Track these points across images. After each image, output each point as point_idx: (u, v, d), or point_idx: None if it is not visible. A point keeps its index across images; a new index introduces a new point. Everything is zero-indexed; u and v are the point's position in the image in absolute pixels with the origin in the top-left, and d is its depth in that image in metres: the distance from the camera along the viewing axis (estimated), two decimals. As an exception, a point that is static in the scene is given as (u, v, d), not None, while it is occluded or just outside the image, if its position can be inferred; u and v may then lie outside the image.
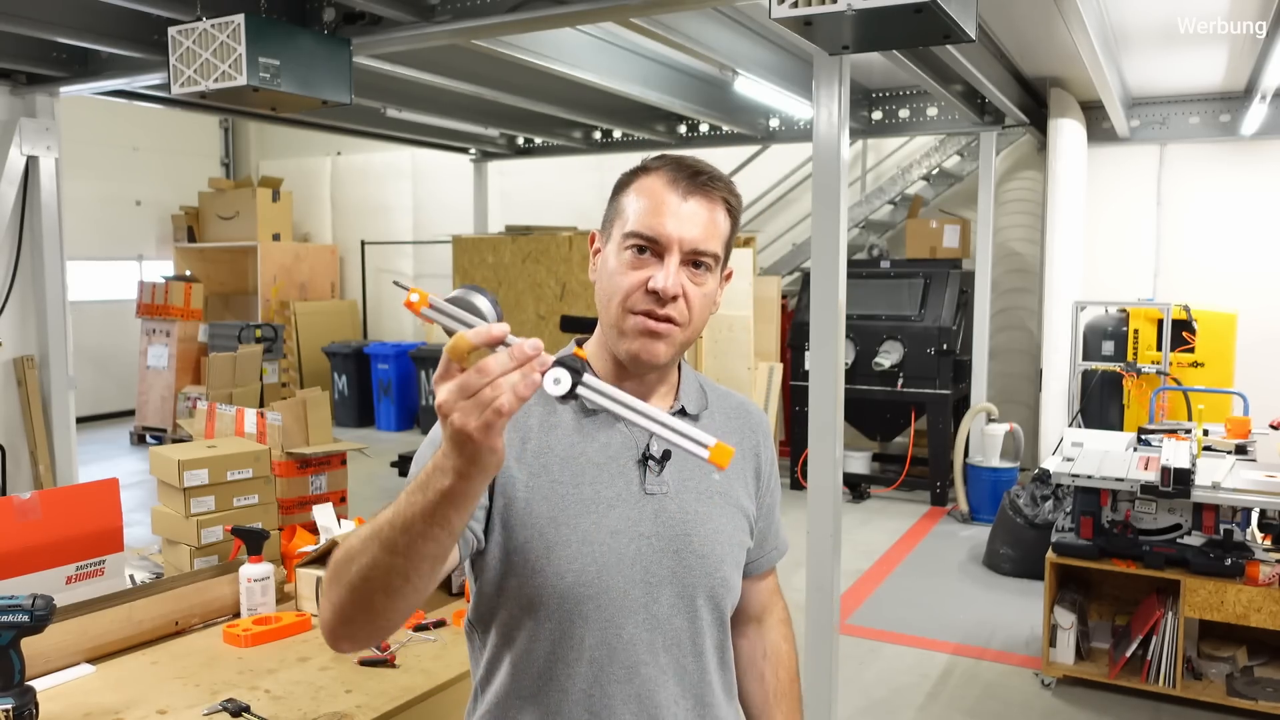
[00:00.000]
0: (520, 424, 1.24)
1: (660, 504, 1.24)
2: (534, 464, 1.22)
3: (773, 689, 1.46)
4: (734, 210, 1.28)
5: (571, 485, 1.21)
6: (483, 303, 0.99)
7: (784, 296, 8.17)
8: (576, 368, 0.96)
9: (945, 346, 6.93)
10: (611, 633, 1.20)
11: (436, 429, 1.24)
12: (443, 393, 0.91)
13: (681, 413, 1.30)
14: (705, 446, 0.97)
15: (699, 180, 1.23)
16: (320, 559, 2.32)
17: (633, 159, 1.30)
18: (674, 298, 1.20)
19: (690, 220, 1.21)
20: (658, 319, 1.20)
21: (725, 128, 7.36)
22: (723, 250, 1.26)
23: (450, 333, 0.96)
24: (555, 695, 1.21)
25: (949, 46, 4.17)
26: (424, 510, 0.96)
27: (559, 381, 0.95)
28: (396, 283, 1.12)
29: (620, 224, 1.24)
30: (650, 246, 1.21)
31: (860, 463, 7.34)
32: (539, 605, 1.20)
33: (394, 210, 11.10)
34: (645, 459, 1.25)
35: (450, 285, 7.61)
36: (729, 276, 1.33)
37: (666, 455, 1.25)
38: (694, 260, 1.22)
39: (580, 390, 0.96)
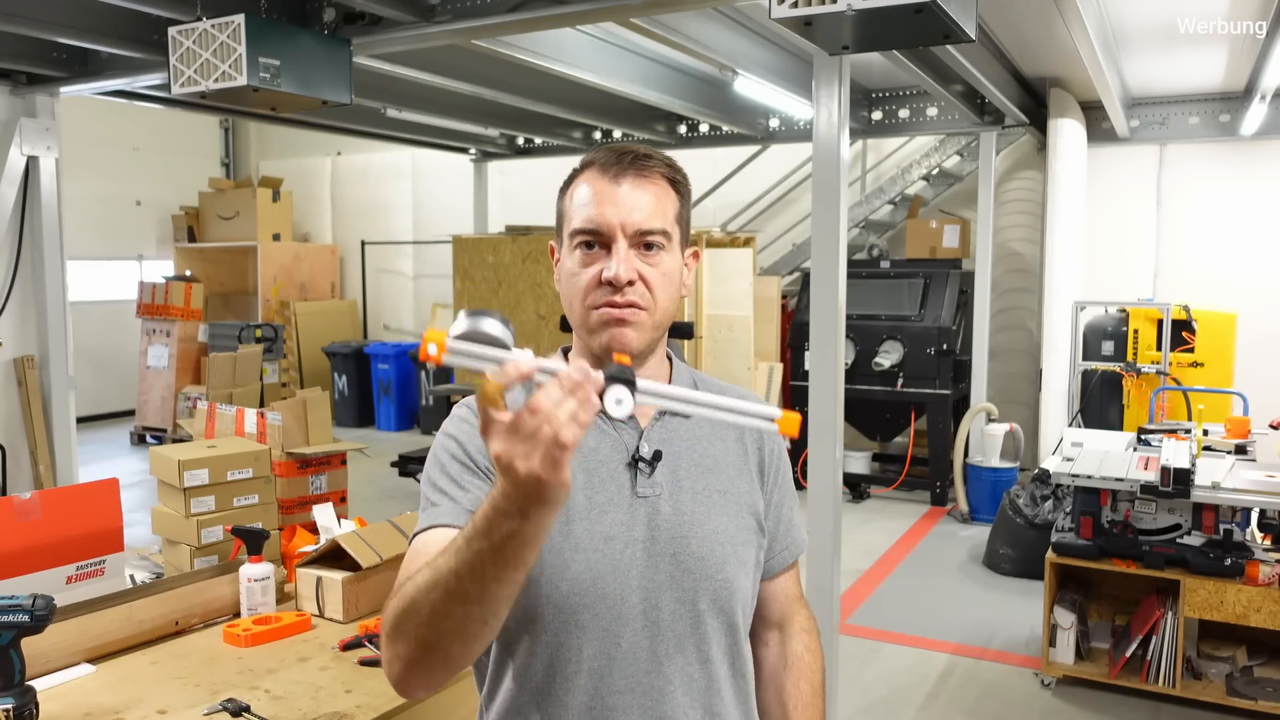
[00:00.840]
0: None
1: (654, 506, 1.21)
2: None
3: (793, 701, 1.37)
4: (678, 183, 1.25)
5: None
6: (495, 327, 0.92)
7: (784, 296, 8.17)
8: (628, 378, 0.91)
9: (945, 346, 6.93)
10: (610, 642, 1.17)
11: (439, 445, 1.23)
12: (496, 443, 0.88)
13: (671, 412, 1.27)
14: (773, 420, 0.95)
15: (627, 160, 1.21)
16: (320, 559, 2.33)
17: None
18: (629, 283, 1.17)
19: (627, 203, 1.19)
20: (619, 307, 1.18)
21: (725, 128, 7.36)
22: (674, 226, 1.23)
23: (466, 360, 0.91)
24: (556, 709, 1.18)
25: (949, 46, 4.17)
26: (493, 557, 0.94)
27: (620, 402, 0.90)
28: (388, 326, 1.05)
29: (566, 225, 1.23)
30: (596, 239, 1.19)
31: (860, 463, 7.34)
32: (535, 617, 1.17)
33: (394, 210, 11.10)
34: (635, 461, 1.22)
35: (450, 285, 7.60)
36: (696, 255, 1.29)
37: (657, 456, 1.22)
38: (643, 242, 1.19)
39: (638, 399, 0.92)
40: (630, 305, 1.18)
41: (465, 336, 0.90)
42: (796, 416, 0.95)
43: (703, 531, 1.22)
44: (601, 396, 0.89)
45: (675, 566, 1.20)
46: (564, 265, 1.24)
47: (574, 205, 1.22)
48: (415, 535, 1.17)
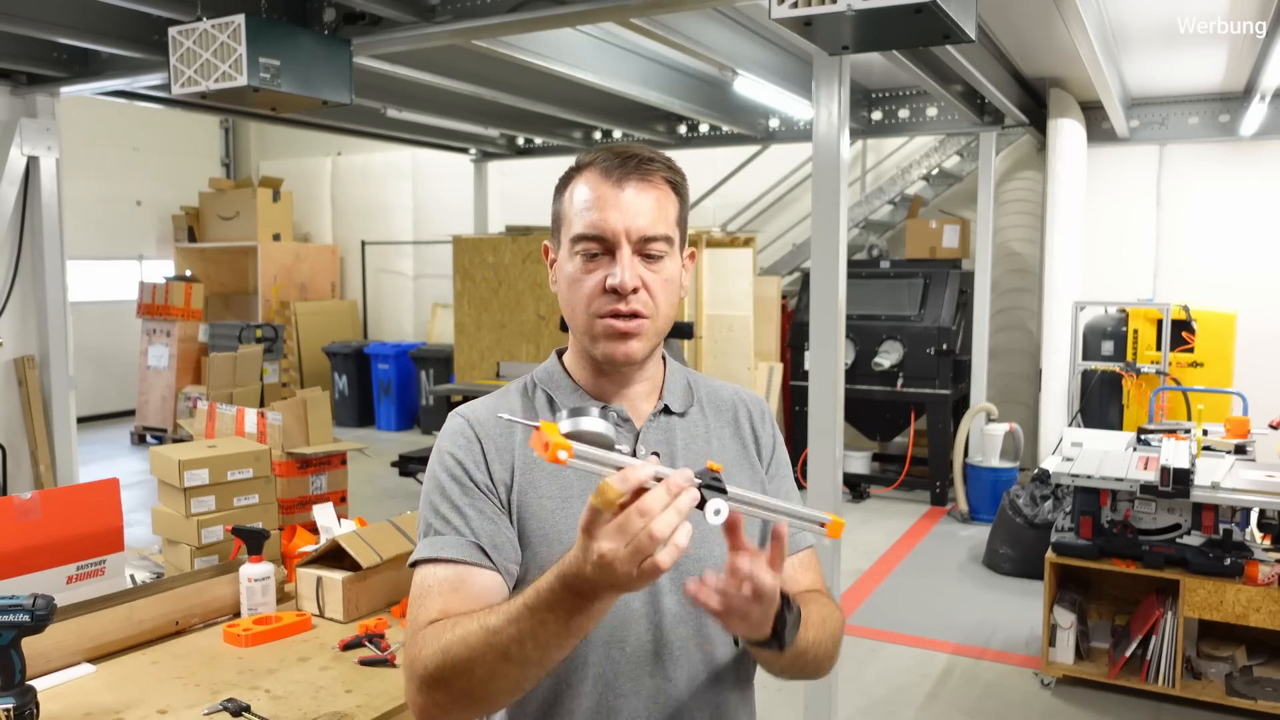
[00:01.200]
0: (505, 444, 1.22)
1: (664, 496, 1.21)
2: (522, 481, 1.20)
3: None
4: (678, 186, 1.24)
5: (560, 500, 1.19)
6: (602, 425, 0.97)
7: (784, 296, 8.17)
8: (722, 487, 0.99)
9: (945, 346, 6.93)
10: (615, 647, 1.18)
11: (435, 463, 1.22)
12: (604, 543, 0.91)
13: (665, 411, 1.27)
14: (822, 524, 1.08)
15: (631, 164, 1.19)
16: (320, 559, 2.33)
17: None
18: (634, 290, 1.17)
19: (631, 208, 1.17)
20: (624, 317, 1.17)
21: (725, 128, 7.36)
22: (675, 230, 1.22)
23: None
24: (563, 717, 1.19)
25: (949, 46, 4.17)
26: (557, 629, 0.99)
27: (719, 512, 0.98)
28: (506, 417, 1.11)
29: (566, 229, 1.21)
30: (599, 245, 1.17)
31: (860, 463, 7.34)
32: None
33: (394, 210, 11.11)
34: None
35: (450, 285, 7.60)
36: (692, 256, 1.29)
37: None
38: (646, 248, 1.18)
39: (731, 505, 1.00)
40: (634, 314, 1.17)
41: (574, 436, 0.95)
42: (841, 521, 1.08)
43: (700, 531, 1.21)
44: (701, 505, 0.97)
45: (674, 569, 1.19)
46: (563, 269, 1.22)
47: (574, 208, 1.20)
48: (418, 562, 1.17)
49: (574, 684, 1.18)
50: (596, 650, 1.18)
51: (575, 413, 0.97)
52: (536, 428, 0.92)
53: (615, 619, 1.18)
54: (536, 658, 1.00)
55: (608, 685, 1.18)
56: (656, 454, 1.22)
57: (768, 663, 1.19)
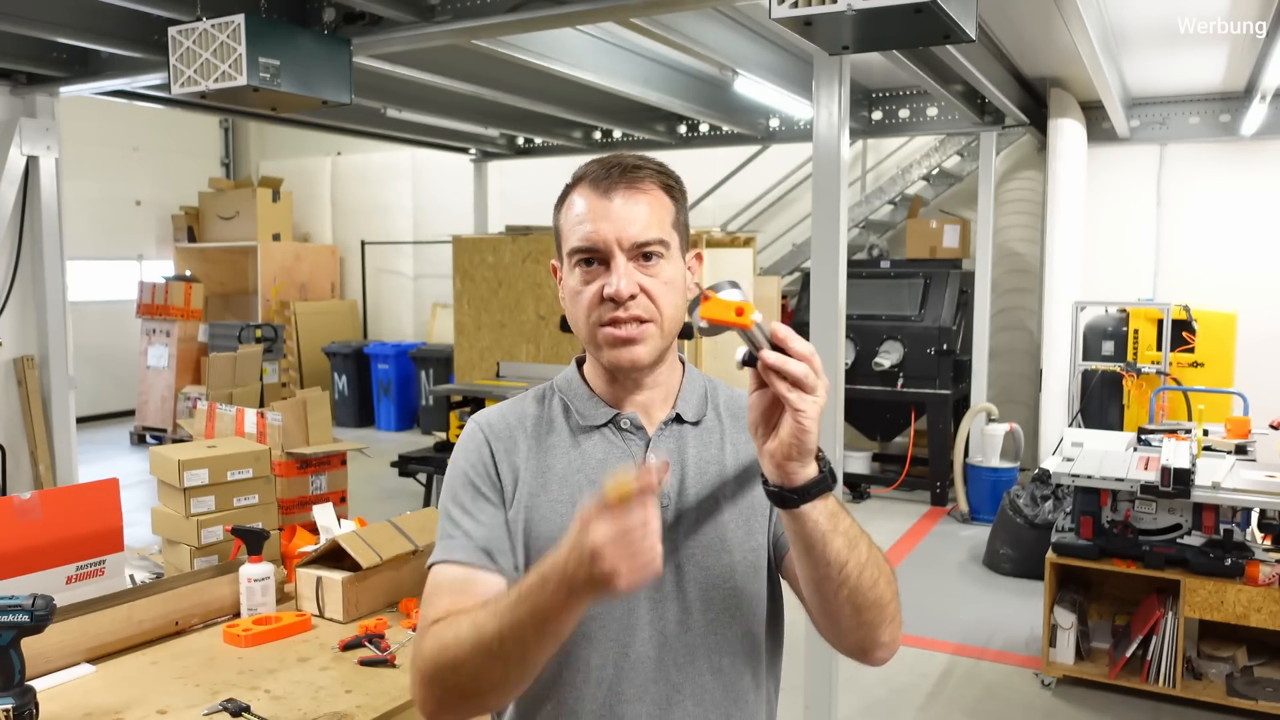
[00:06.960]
0: (514, 448, 1.24)
1: (660, 516, 1.22)
2: (533, 484, 1.22)
3: None
4: (672, 188, 1.24)
5: (569, 503, 1.20)
6: (738, 295, 1.04)
7: (784, 296, 8.17)
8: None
9: (945, 346, 6.93)
10: (618, 652, 1.19)
11: (452, 468, 1.25)
12: (606, 545, 0.93)
13: (678, 419, 1.27)
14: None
15: (616, 173, 1.20)
16: (320, 559, 2.33)
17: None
18: (631, 297, 1.17)
19: (621, 216, 1.18)
20: (623, 323, 1.18)
21: (725, 128, 7.36)
22: (671, 233, 1.22)
23: (752, 345, 1.02)
24: (566, 718, 1.20)
25: (949, 46, 4.17)
26: (535, 626, 1.01)
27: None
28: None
29: (565, 244, 1.23)
30: (595, 256, 1.19)
31: (860, 463, 7.33)
32: None
33: (394, 210, 11.10)
34: None
35: (450, 285, 7.60)
36: (699, 258, 1.29)
37: (664, 466, 1.23)
38: (641, 253, 1.19)
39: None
40: (634, 319, 1.18)
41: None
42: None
43: (708, 540, 1.22)
44: None
45: (681, 577, 1.21)
46: (566, 283, 1.24)
47: (569, 223, 1.22)
48: (432, 564, 1.21)
49: (578, 686, 1.19)
50: (598, 655, 1.18)
51: (715, 287, 1.03)
52: (704, 298, 0.99)
53: (619, 625, 1.18)
54: (518, 655, 1.03)
55: (611, 690, 1.18)
56: (667, 462, 1.22)
57: (824, 540, 1.06)
